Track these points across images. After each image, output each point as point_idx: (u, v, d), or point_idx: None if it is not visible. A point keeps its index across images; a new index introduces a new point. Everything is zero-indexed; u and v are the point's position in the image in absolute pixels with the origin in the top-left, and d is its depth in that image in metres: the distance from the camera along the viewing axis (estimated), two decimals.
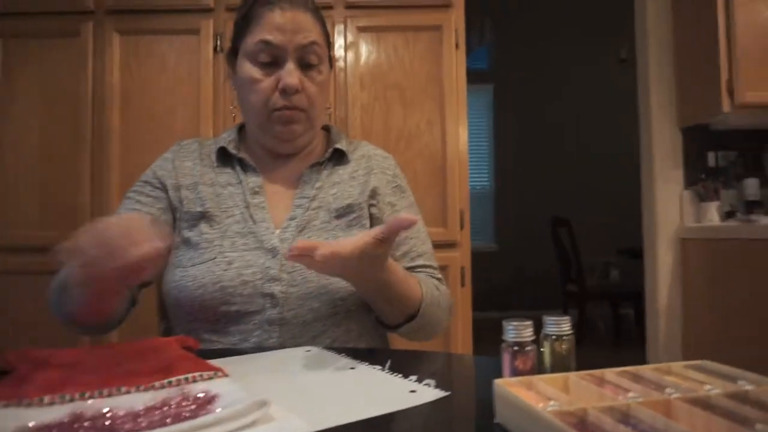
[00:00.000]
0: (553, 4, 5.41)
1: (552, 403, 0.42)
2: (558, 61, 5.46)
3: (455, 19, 2.04)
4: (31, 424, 0.43)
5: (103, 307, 0.76)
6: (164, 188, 0.94)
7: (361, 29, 2.03)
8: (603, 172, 5.43)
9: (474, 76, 2.79)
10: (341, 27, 2.03)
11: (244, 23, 0.91)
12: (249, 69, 0.89)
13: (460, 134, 2.02)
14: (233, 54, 0.94)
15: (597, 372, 0.48)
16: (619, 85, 5.26)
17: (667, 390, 0.43)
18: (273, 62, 0.88)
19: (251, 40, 0.88)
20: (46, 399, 0.48)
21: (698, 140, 2.54)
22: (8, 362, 0.64)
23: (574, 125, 5.47)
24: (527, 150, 5.48)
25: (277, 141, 0.93)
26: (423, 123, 2.01)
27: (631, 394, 0.43)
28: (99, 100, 1.99)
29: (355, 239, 0.68)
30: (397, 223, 0.67)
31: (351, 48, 2.02)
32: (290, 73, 0.87)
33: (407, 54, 2.03)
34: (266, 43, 0.87)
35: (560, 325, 0.53)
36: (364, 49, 2.03)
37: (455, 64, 2.03)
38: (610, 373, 0.47)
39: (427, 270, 0.96)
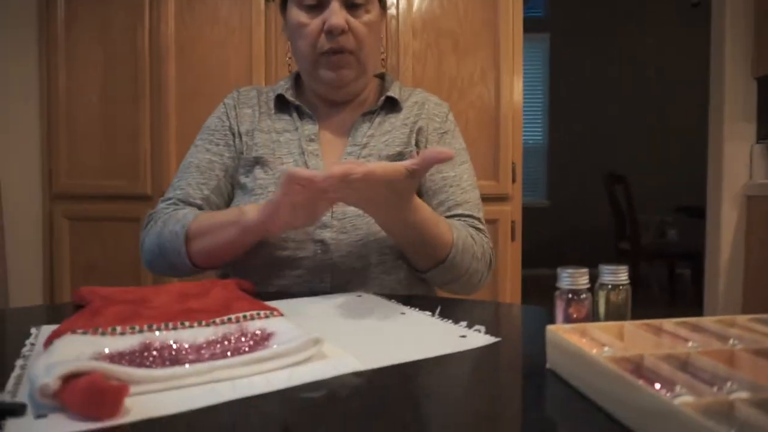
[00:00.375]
0: None
1: (606, 349, 0.41)
2: (620, 6, 5.13)
3: None
4: (106, 351, 0.47)
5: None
6: (233, 135, 0.96)
7: None
8: (663, 128, 5.16)
9: (530, 24, 2.65)
10: None
11: None
12: (296, 14, 0.89)
13: (515, 84, 1.95)
14: (284, 2, 0.93)
15: (654, 321, 0.46)
16: (687, 33, 4.92)
17: (731, 341, 0.41)
18: (319, 5, 0.87)
19: None
20: (119, 329, 0.51)
21: None
22: (82, 297, 0.69)
23: (635, 76, 5.18)
24: (584, 103, 5.25)
25: (328, 88, 0.93)
26: (477, 72, 1.95)
27: (691, 344, 0.41)
28: (155, 52, 2.03)
29: (386, 164, 0.66)
30: (430, 155, 0.64)
31: None
32: (334, 13, 0.85)
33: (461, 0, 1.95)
34: None
35: (617, 275, 0.51)
36: None
37: (512, 9, 1.94)
38: (668, 323, 0.46)
39: (467, 219, 0.91)
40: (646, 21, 5.11)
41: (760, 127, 2.38)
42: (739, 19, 2.35)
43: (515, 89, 1.95)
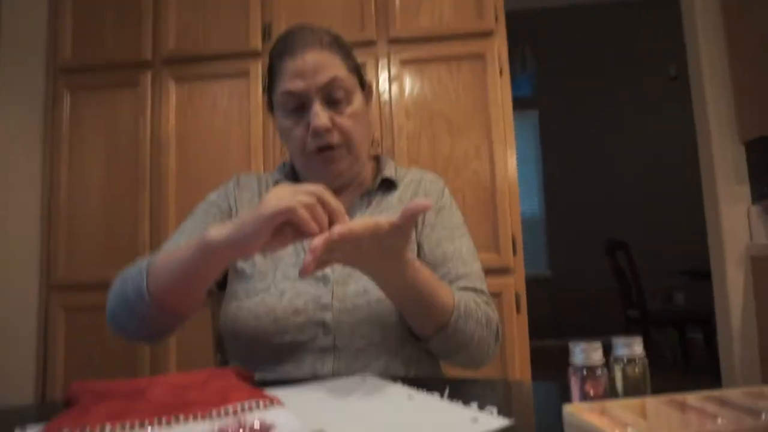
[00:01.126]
0: (593, 28, 5.35)
1: (630, 430, 0.39)
2: (603, 83, 5.36)
3: (498, 46, 2.04)
4: None
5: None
6: (229, 213, 0.96)
7: (405, 62, 2.06)
8: (659, 193, 5.23)
9: (518, 103, 2.76)
10: (384, 61, 2.05)
11: (270, 78, 0.94)
12: (282, 120, 0.92)
13: (509, 158, 1.99)
14: (271, 105, 0.97)
15: (678, 396, 0.44)
16: (671, 103, 5.10)
17: (763, 416, 0.39)
18: (301, 107, 0.89)
19: (278, 93, 0.91)
20: (108, 428, 0.48)
21: (765, 152, 2.40)
22: (72, 393, 0.66)
23: (625, 146, 5.32)
24: (577, 173, 5.35)
25: (323, 181, 0.94)
26: (471, 150, 2.00)
27: (720, 421, 0.39)
28: (156, 144, 2.09)
29: (366, 220, 0.66)
30: (410, 208, 0.65)
31: (395, 81, 2.05)
32: (316, 115, 0.87)
33: (451, 83, 2.04)
34: (289, 93, 0.88)
35: (632, 347, 0.49)
36: (408, 81, 2.05)
37: (500, 90, 2.02)
38: (693, 398, 0.43)
39: (470, 291, 0.89)
40: (628, 92, 5.32)
41: (753, 189, 2.40)
42: (718, 88, 2.44)
43: (509, 164, 1.98)
